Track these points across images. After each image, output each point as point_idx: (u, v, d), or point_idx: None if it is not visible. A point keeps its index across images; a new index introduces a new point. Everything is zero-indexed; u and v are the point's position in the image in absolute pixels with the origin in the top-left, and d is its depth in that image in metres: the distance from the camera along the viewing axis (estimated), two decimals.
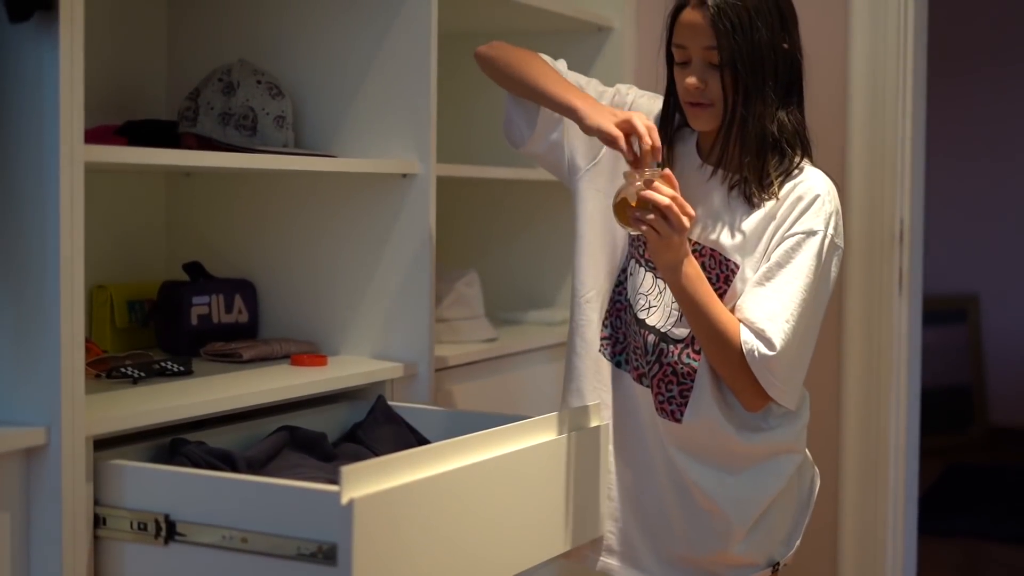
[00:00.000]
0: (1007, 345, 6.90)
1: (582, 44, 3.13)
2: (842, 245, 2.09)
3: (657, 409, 2.13)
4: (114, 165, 2.14)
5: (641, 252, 2.16)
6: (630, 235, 2.16)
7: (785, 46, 2.07)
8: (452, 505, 1.76)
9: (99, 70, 2.23)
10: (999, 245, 6.92)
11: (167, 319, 2.43)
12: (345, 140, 2.47)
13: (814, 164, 2.15)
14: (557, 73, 2.21)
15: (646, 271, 2.15)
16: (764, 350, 2.01)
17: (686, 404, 2.10)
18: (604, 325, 2.22)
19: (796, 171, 2.10)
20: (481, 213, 3.30)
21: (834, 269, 2.09)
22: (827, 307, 2.12)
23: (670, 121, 2.18)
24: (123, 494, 1.76)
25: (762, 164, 2.08)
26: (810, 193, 2.07)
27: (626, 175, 2.02)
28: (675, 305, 2.10)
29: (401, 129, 2.42)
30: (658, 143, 2.02)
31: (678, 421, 2.11)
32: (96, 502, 1.77)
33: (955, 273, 6.85)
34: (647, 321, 2.14)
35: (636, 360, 2.17)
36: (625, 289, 2.19)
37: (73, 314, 1.70)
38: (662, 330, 2.12)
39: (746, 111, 2.05)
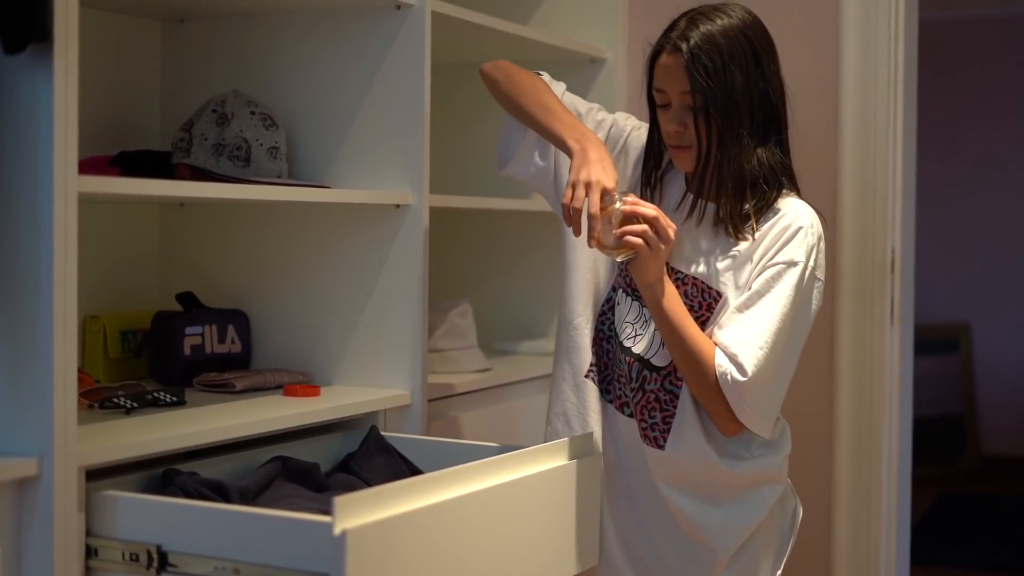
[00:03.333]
0: (999, 374, 6.91)
1: (574, 75, 3.14)
2: (822, 278, 2.11)
3: (641, 436, 2.15)
4: (108, 196, 2.14)
5: (628, 280, 2.17)
6: (619, 263, 2.17)
7: (761, 85, 2.08)
8: (445, 536, 1.76)
9: (93, 101, 2.23)
10: (990, 274, 6.93)
11: (160, 349, 2.43)
12: (338, 171, 2.48)
13: (800, 195, 2.16)
14: (558, 103, 2.21)
15: (632, 300, 2.17)
16: (736, 375, 2.02)
17: (669, 431, 2.11)
18: (592, 352, 2.23)
19: (778, 203, 2.12)
20: (474, 243, 3.31)
21: (815, 301, 2.11)
22: (820, 337, 2.13)
23: (656, 158, 2.20)
24: (115, 525, 1.75)
25: (740, 201, 2.09)
26: (793, 225, 2.09)
27: (601, 204, 2.04)
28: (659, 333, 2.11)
29: (394, 160, 2.42)
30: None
31: (661, 448, 2.13)
32: (88, 533, 1.76)
33: (947, 302, 6.87)
34: (633, 349, 2.15)
35: (619, 389, 2.19)
36: (609, 318, 2.21)
37: (66, 344, 1.70)
38: (645, 357, 2.14)
39: (721, 154, 2.07)
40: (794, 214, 2.10)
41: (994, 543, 5.42)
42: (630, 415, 2.17)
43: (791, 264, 2.07)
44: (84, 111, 1.72)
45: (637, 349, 2.15)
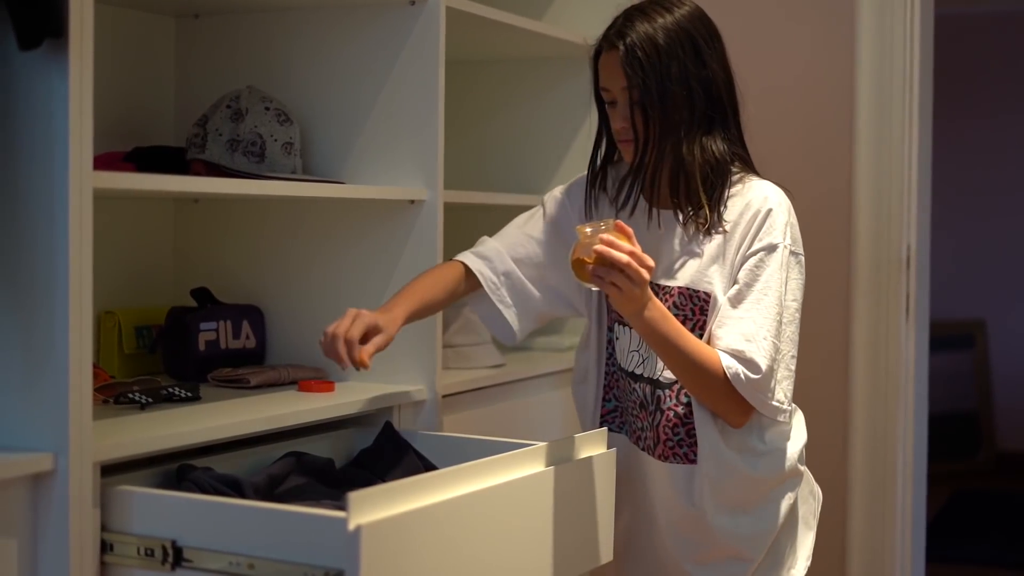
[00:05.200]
0: (1014, 371, 6.89)
1: (586, 71, 3.13)
2: (801, 251, 2.11)
3: (669, 457, 2.12)
4: (123, 191, 2.15)
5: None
6: (608, 301, 2.16)
7: (703, 74, 2.08)
8: (459, 532, 1.76)
9: (108, 96, 2.24)
10: (1005, 271, 6.91)
11: (175, 345, 2.43)
12: (353, 167, 2.48)
13: (759, 175, 2.15)
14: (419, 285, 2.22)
15: (631, 329, 2.15)
16: (750, 373, 2.02)
17: (696, 443, 2.10)
18: (607, 400, 2.23)
19: (737, 187, 2.11)
20: None
21: (798, 275, 2.10)
22: (835, 334, 2.12)
23: (606, 165, 2.20)
24: (130, 520, 1.76)
25: (694, 192, 2.09)
26: (763, 209, 2.08)
27: (578, 230, 1.98)
28: None
29: (409, 156, 2.42)
30: None
31: (694, 462, 2.11)
32: (103, 528, 1.76)
33: (962, 299, 6.85)
34: (644, 375, 2.15)
35: (633, 422, 2.18)
36: (614, 358, 2.20)
37: (81, 340, 1.70)
38: (654, 377, 2.13)
39: (662, 146, 2.06)
40: (761, 196, 2.10)
41: (1009, 540, 5.40)
42: (643, 448, 2.16)
43: (771, 249, 2.06)
44: (99, 107, 1.73)
45: (648, 373, 2.14)
